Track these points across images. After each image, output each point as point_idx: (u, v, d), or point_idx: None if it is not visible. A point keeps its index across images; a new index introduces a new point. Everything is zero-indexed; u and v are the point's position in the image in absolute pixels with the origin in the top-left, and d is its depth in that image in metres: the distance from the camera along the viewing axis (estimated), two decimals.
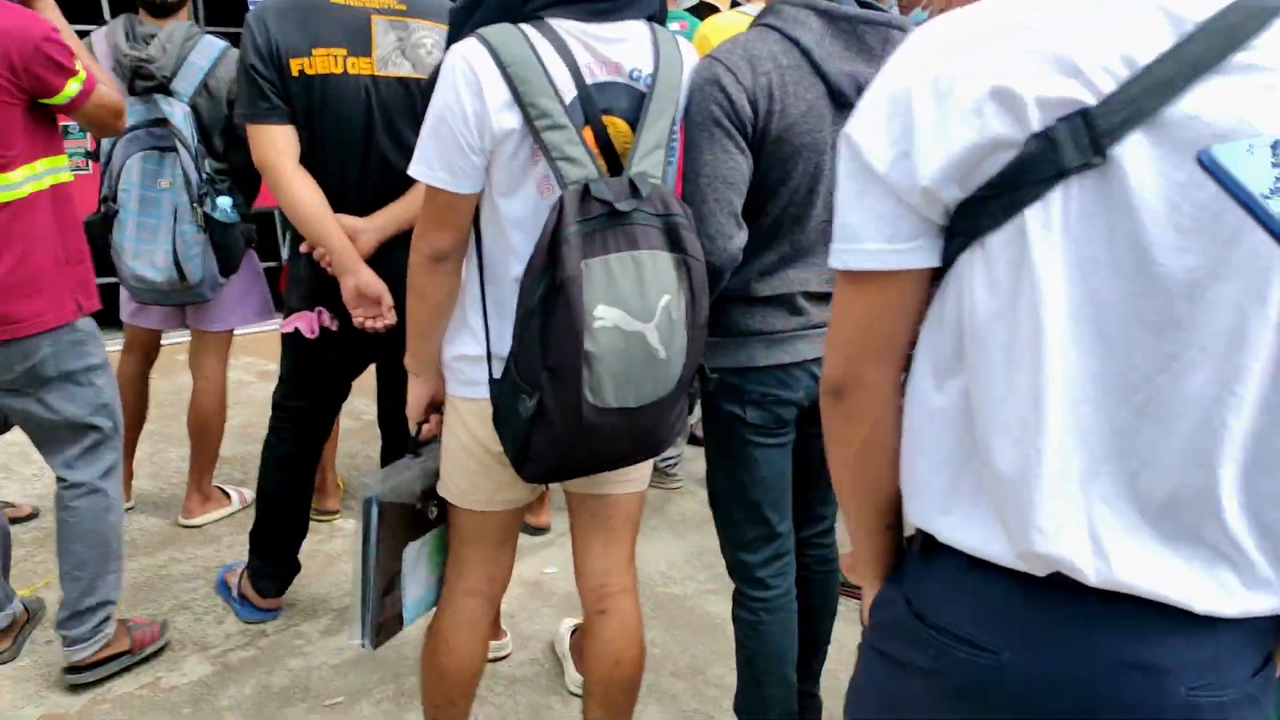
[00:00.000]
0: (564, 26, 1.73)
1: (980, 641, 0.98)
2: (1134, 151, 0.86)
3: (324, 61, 2.45)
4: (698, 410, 2.18)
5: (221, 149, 3.11)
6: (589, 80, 1.74)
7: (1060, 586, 0.94)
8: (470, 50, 1.69)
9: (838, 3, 1.90)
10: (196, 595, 3.14)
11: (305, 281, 2.62)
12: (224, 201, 3.10)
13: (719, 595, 3.12)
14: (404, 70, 2.52)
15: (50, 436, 2.58)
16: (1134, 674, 0.93)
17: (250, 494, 3.61)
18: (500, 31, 1.70)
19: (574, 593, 2.21)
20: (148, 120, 3.04)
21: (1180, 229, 0.87)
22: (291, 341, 2.71)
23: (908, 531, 1.11)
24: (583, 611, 2.15)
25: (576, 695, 2.62)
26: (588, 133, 1.73)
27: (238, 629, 2.98)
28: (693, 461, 4.07)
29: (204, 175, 3.06)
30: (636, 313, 1.68)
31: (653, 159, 1.77)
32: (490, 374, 1.80)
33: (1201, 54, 0.85)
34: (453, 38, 1.79)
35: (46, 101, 2.40)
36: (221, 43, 3.10)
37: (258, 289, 3.49)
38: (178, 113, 3.02)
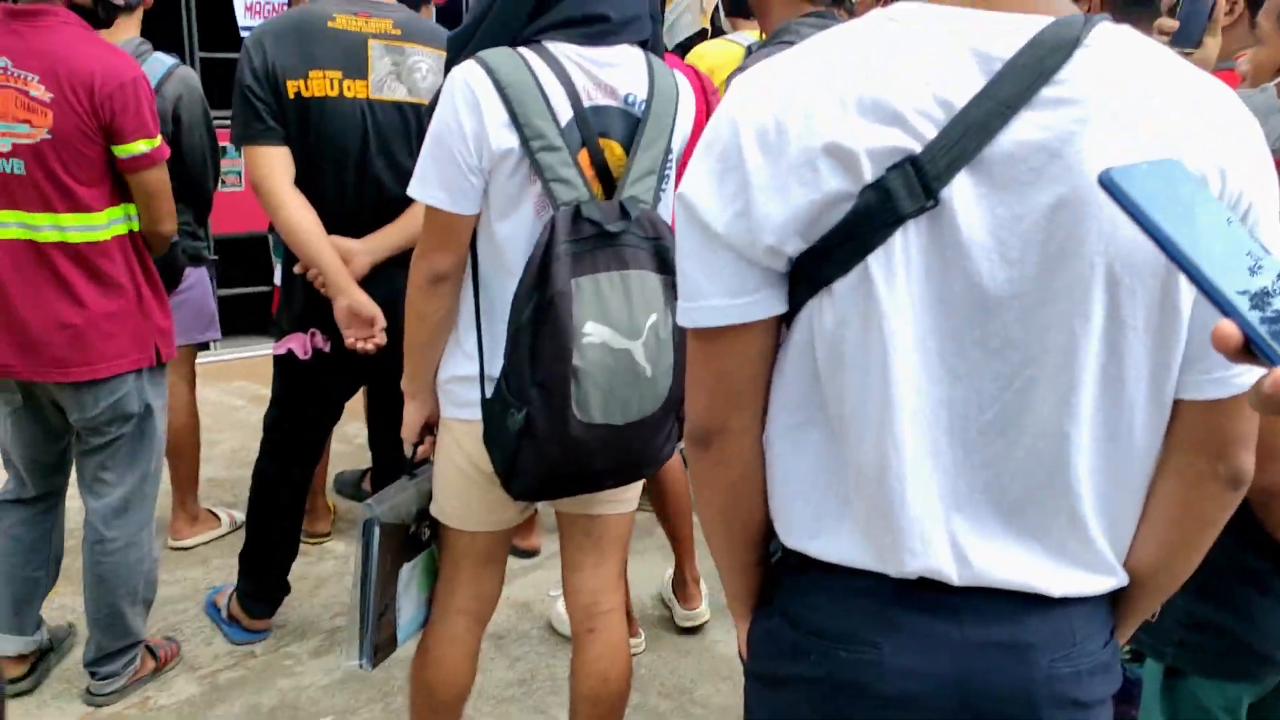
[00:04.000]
0: (561, 50, 1.76)
1: (860, 638, 1.03)
2: (961, 192, 0.90)
3: (320, 84, 2.49)
4: None
5: (169, 165, 3.13)
6: (585, 103, 1.77)
7: (929, 584, 1.00)
8: (469, 72, 1.72)
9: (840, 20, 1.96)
10: (185, 616, 3.14)
11: (299, 303, 2.64)
12: None
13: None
14: (399, 94, 2.55)
15: (100, 478, 2.61)
16: (1002, 651, 1.01)
17: (240, 516, 3.60)
18: (499, 54, 1.73)
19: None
20: None
21: (1008, 260, 0.92)
22: (284, 363, 2.72)
23: (777, 557, 1.14)
24: (571, 630, 2.16)
25: (562, 714, 2.63)
26: (584, 155, 1.77)
27: (226, 650, 2.97)
28: None
29: None
30: (624, 330, 1.71)
31: (645, 184, 1.80)
32: (483, 394, 1.82)
33: (1012, 92, 0.89)
34: (452, 61, 1.82)
35: (114, 149, 2.42)
36: (170, 60, 3.10)
37: (207, 305, 3.50)
38: None
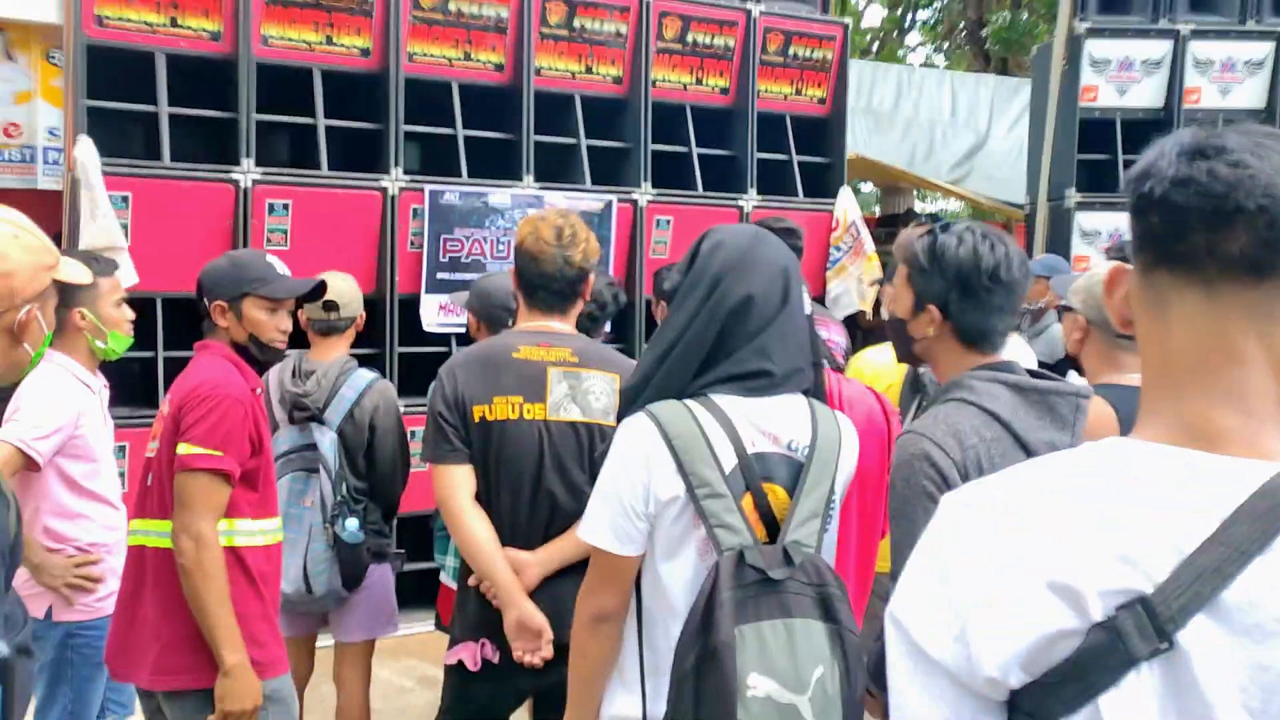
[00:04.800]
0: (726, 401, 1.87)
1: None
2: (1197, 636, 0.88)
3: (502, 408, 2.68)
4: None
5: (364, 469, 3.43)
6: (749, 450, 1.85)
7: None
8: (639, 423, 1.84)
9: (1019, 374, 1.95)
10: None
11: (471, 613, 2.74)
12: (352, 524, 3.35)
13: None
14: (574, 415, 2.72)
15: None
16: None
17: None
18: (666, 407, 1.85)
19: None
20: (300, 445, 3.38)
21: (1250, 710, 0.88)
22: (455, 672, 2.79)
23: None
24: None
25: None
26: (748, 500, 1.83)
27: None
28: None
29: (339, 497, 3.35)
30: (790, 684, 1.70)
31: (808, 528, 1.84)
32: None
33: (1247, 537, 0.88)
34: (624, 412, 1.95)
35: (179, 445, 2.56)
36: (370, 374, 3.46)
37: (388, 601, 3.66)
38: (325, 440, 3.36)
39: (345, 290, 3.51)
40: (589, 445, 2.69)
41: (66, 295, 2.38)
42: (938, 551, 0.99)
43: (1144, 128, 6.51)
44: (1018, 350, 2.71)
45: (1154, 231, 0.98)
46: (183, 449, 2.54)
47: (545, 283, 2.74)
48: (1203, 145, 0.95)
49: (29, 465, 2.93)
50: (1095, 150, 6.83)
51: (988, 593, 0.93)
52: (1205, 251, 0.94)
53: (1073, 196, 6.80)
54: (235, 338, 2.73)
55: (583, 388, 2.74)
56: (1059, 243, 6.74)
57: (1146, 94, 6.89)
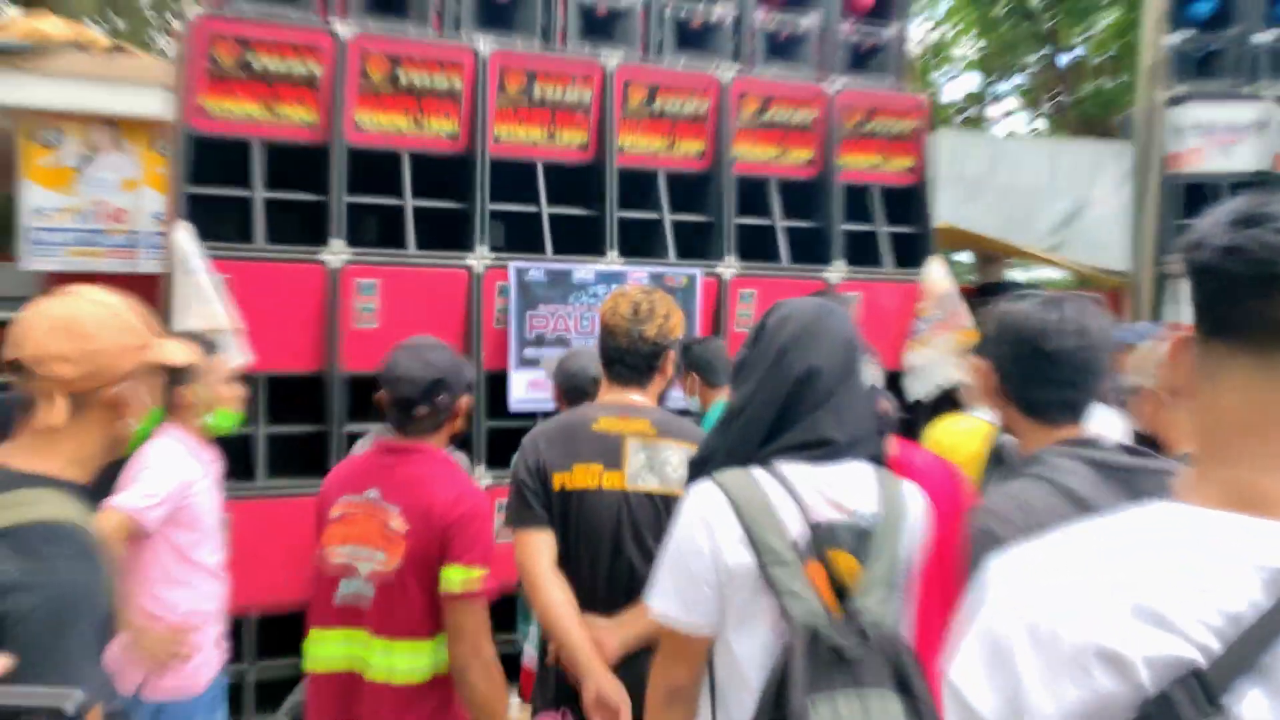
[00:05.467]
0: (792, 469, 1.86)
1: None
2: (1250, 704, 0.87)
3: (583, 477, 2.71)
4: None
5: None
6: (816, 519, 1.83)
7: None
8: (706, 492, 1.84)
9: (1104, 450, 1.86)
10: None
11: (552, 684, 2.73)
12: None
13: None
14: (651, 485, 2.73)
15: None
16: None
17: None
18: (733, 475, 1.85)
19: None
20: None
21: None
22: None
23: None
24: None
25: None
26: (817, 569, 1.81)
27: None
28: None
29: None
30: None
31: (878, 596, 1.81)
32: None
33: None
34: (692, 479, 1.95)
35: (442, 573, 2.51)
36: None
37: None
38: None
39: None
40: (666, 515, 2.69)
41: (177, 373, 2.49)
42: (987, 617, 0.99)
43: (1247, 191, 6.31)
44: (1108, 423, 2.63)
45: (1207, 298, 1.01)
46: (462, 573, 2.51)
47: (621, 356, 2.81)
48: (1253, 213, 0.98)
49: (139, 533, 3.04)
50: (1198, 214, 6.62)
51: (1036, 659, 0.93)
52: (1256, 317, 0.96)
53: (1175, 263, 6.63)
54: (456, 430, 2.71)
55: (660, 458, 2.75)
56: (1164, 311, 6.57)
57: (1248, 156, 6.72)
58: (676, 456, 2.76)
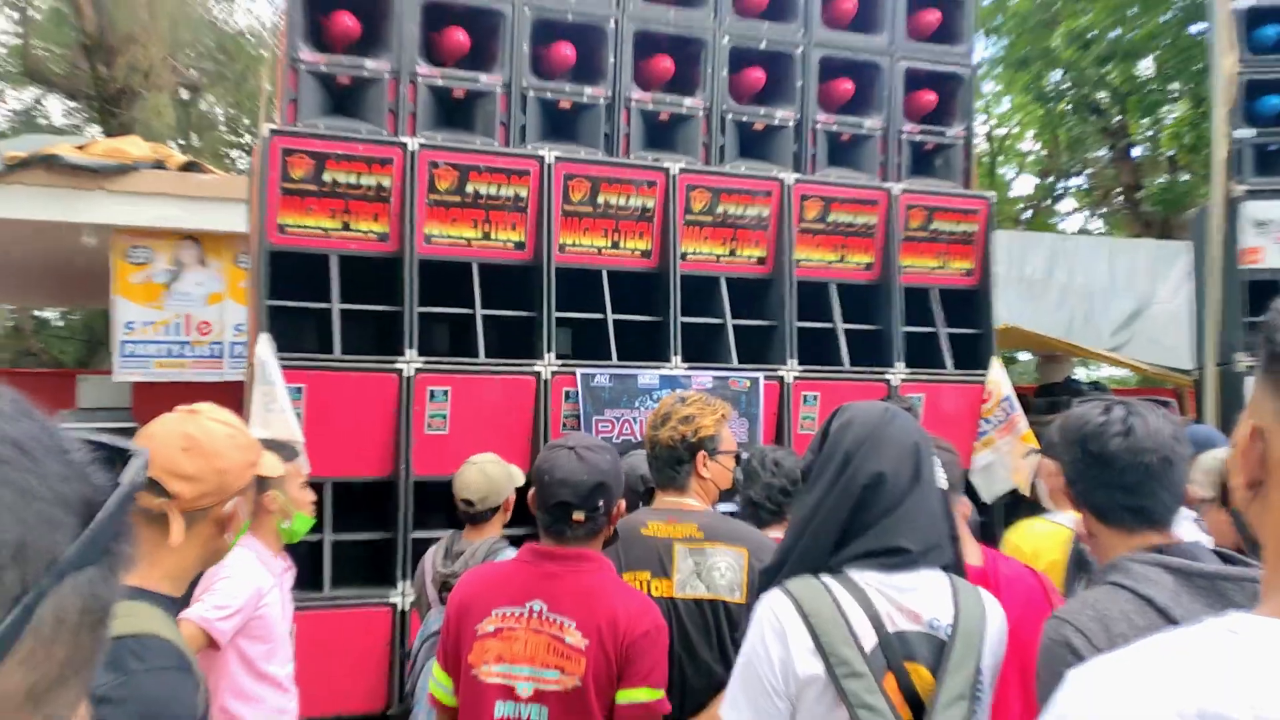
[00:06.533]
0: (863, 578, 1.85)
1: None
2: None
3: (631, 584, 2.71)
4: None
5: None
6: (889, 629, 1.82)
7: None
8: (776, 601, 1.84)
9: (1193, 558, 1.81)
10: None
11: None
12: None
13: None
14: (700, 591, 2.74)
15: None
16: None
17: None
18: (804, 584, 1.85)
19: None
20: None
21: None
22: None
23: None
24: None
25: None
26: (891, 680, 1.79)
27: None
28: None
29: None
30: None
31: (955, 709, 1.78)
32: None
33: None
34: (763, 588, 1.95)
35: (617, 695, 2.38)
36: (515, 551, 3.48)
37: None
38: None
39: (480, 485, 3.63)
40: (714, 623, 2.70)
41: (261, 481, 2.54)
42: None
43: None
44: (1189, 531, 2.58)
45: None
46: (648, 694, 2.41)
47: (651, 461, 2.95)
48: None
49: (211, 645, 3.05)
50: (1263, 312, 6.52)
51: None
52: None
53: (1242, 361, 6.52)
54: (607, 537, 2.60)
55: (708, 564, 2.76)
56: (1231, 409, 6.43)
57: None
58: (724, 561, 2.76)
